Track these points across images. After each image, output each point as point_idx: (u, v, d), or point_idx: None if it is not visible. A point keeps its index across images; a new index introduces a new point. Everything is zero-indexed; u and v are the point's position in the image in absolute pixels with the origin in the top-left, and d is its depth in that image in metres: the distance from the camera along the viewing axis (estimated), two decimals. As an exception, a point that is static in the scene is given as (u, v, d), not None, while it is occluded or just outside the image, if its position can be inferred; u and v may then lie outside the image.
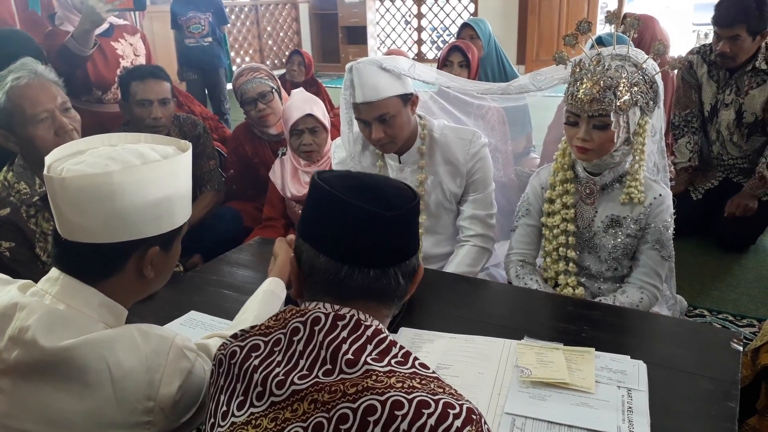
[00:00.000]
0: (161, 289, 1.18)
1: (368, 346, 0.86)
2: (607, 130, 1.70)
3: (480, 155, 2.08)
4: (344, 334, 0.87)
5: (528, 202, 1.99)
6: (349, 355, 0.84)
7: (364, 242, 0.90)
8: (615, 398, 1.21)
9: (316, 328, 0.88)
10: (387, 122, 1.94)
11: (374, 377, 0.81)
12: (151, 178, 1.04)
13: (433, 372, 0.86)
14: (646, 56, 1.73)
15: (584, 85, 1.69)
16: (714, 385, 1.26)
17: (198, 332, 1.55)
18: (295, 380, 0.84)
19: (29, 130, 1.84)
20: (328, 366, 0.84)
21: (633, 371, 1.29)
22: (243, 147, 3.09)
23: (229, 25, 4.79)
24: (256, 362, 0.89)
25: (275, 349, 0.90)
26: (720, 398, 1.22)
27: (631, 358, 1.33)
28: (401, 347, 0.89)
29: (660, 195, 1.80)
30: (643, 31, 3.57)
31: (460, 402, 0.79)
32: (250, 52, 8.62)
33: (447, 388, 0.83)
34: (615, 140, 1.72)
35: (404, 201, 0.93)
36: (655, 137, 1.86)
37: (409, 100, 1.98)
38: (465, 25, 3.94)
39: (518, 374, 1.29)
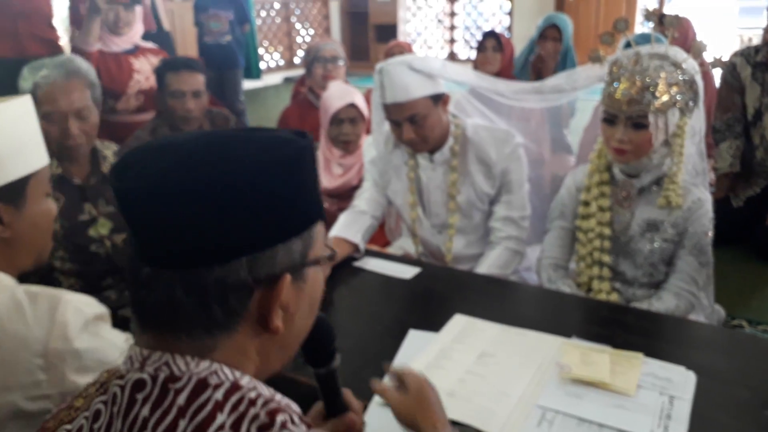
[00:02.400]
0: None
1: (180, 422, 0.60)
2: (644, 131, 1.66)
3: (514, 155, 2.05)
4: (145, 412, 0.62)
5: (562, 204, 1.95)
6: None
7: (136, 228, 0.64)
8: (654, 404, 1.18)
9: (114, 409, 0.64)
10: (417, 122, 1.93)
11: None
12: None
13: (281, 427, 0.62)
14: (686, 55, 1.68)
15: (622, 85, 1.65)
16: (751, 394, 1.22)
17: None
18: None
19: (39, 123, 1.87)
20: None
21: (680, 380, 1.26)
22: (288, 123, 3.13)
23: (251, 24, 4.80)
24: None
25: None
26: (757, 408, 1.18)
27: (686, 368, 1.29)
28: (233, 403, 0.62)
29: (699, 199, 1.75)
30: (683, 32, 3.50)
31: None
32: (280, 48, 8.65)
33: None
34: (653, 142, 1.67)
35: (216, 169, 0.61)
36: (694, 139, 1.81)
37: (440, 99, 1.97)
38: (552, 25, 3.77)
39: (558, 370, 1.28)
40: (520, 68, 4.00)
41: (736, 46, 8.66)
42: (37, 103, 1.87)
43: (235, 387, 0.63)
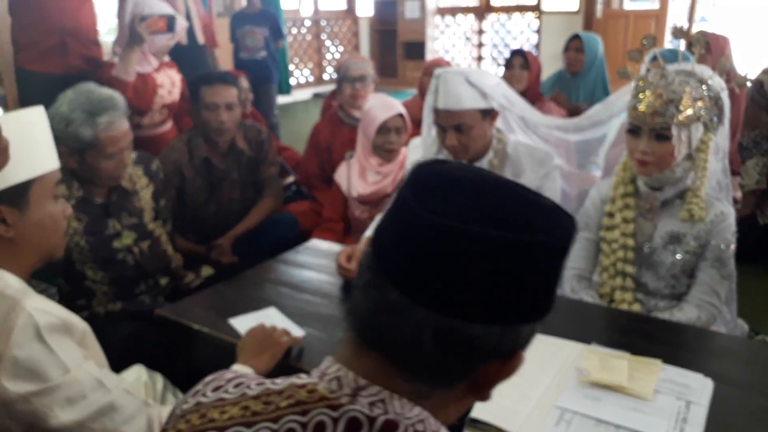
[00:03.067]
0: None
1: None
2: (667, 143, 1.69)
3: (549, 177, 2.11)
4: None
5: (587, 215, 1.98)
6: None
7: (402, 251, 0.61)
8: (671, 408, 1.21)
9: None
10: (463, 132, 2.01)
11: None
12: None
13: None
14: (712, 73, 1.72)
15: (647, 98, 1.69)
16: (767, 402, 1.24)
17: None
18: None
19: (98, 162, 1.98)
20: None
21: (697, 386, 1.28)
22: (319, 138, 3.19)
23: (284, 40, 4.91)
24: None
25: None
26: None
27: (704, 375, 1.32)
28: None
29: (722, 212, 1.77)
30: (719, 50, 3.51)
31: None
32: (310, 65, 8.80)
33: None
34: (675, 154, 1.70)
35: (521, 238, 0.59)
36: (718, 155, 1.83)
37: (489, 114, 2.05)
38: (575, 36, 4.05)
39: (577, 374, 1.31)
40: (550, 87, 4.10)
41: (770, 65, 8.56)
42: (99, 147, 1.95)
43: None
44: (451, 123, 2.01)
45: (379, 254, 0.63)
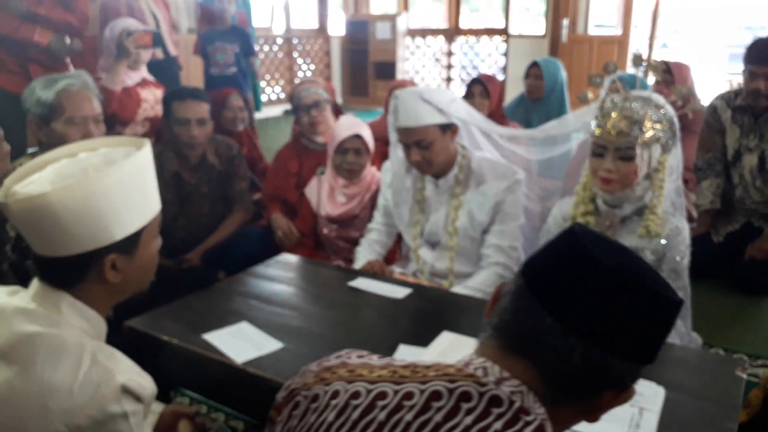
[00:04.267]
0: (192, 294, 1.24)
1: None
2: (631, 162, 1.78)
3: (512, 191, 2.17)
4: (498, 426, 0.72)
5: (549, 232, 2.05)
6: None
7: (569, 287, 0.75)
8: (625, 414, 1.27)
9: (464, 405, 0.74)
10: (425, 147, 2.09)
11: None
12: (90, 191, 1.05)
13: None
14: (664, 101, 1.83)
15: (613, 119, 1.78)
16: (716, 408, 1.31)
17: (242, 345, 1.61)
18: None
19: (62, 128, 2.13)
20: None
21: (650, 393, 1.34)
22: (287, 165, 3.16)
23: (255, 57, 4.94)
24: (382, 416, 0.76)
25: (405, 403, 0.75)
26: (722, 420, 1.27)
27: (656, 383, 1.38)
28: None
29: (676, 227, 1.87)
30: (682, 78, 3.63)
31: None
32: (281, 82, 8.84)
33: None
34: (638, 173, 1.79)
35: (659, 292, 0.75)
36: (672, 176, 1.92)
37: (448, 129, 2.12)
38: (534, 63, 4.10)
39: None
40: (513, 110, 4.19)
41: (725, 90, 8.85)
42: (60, 110, 2.10)
43: None
44: (412, 140, 2.09)
45: (537, 286, 0.76)
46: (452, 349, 1.54)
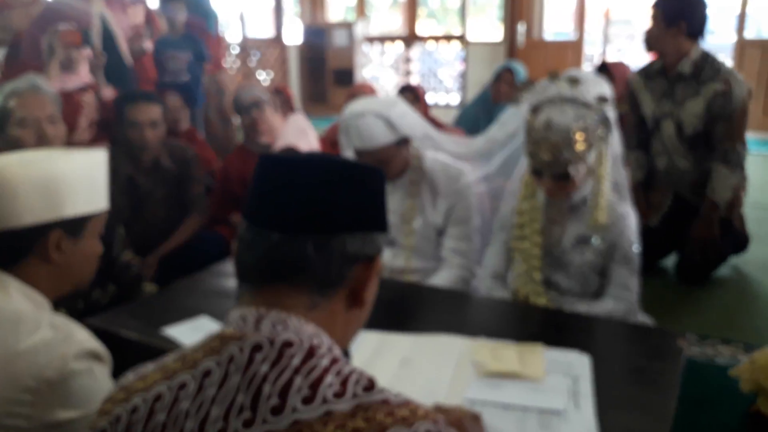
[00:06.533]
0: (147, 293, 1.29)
1: (296, 379, 0.72)
2: (569, 179, 1.81)
3: (462, 194, 2.20)
4: (264, 368, 0.73)
5: (502, 218, 2.09)
6: (274, 400, 0.71)
7: (270, 197, 0.80)
8: (562, 384, 1.32)
9: (231, 367, 0.74)
10: (382, 163, 2.08)
11: None
12: (49, 168, 1.17)
13: (381, 390, 0.74)
14: (593, 89, 1.82)
15: (540, 154, 1.79)
16: (657, 375, 1.38)
17: (202, 337, 1.61)
18: None
19: (16, 132, 2.14)
20: (248, 414, 0.71)
21: (579, 363, 1.41)
22: (229, 171, 3.18)
23: (208, 63, 4.95)
24: (162, 417, 0.75)
25: (180, 394, 0.76)
26: (661, 386, 1.34)
27: (580, 351, 1.44)
28: (337, 370, 0.74)
29: (622, 214, 1.90)
30: (621, 76, 3.66)
31: (413, 429, 0.69)
32: (241, 91, 8.81)
33: (397, 411, 0.71)
34: (578, 182, 1.84)
35: (341, 164, 0.83)
36: (614, 163, 1.96)
37: (403, 142, 2.13)
38: (507, 69, 4.17)
39: (475, 367, 1.40)
40: (474, 112, 4.25)
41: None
42: (10, 115, 2.09)
43: (334, 359, 0.76)
44: (370, 160, 2.07)
45: (252, 215, 0.81)
46: (382, 345, 1.53)
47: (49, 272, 1.20)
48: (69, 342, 1.10)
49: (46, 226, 1.17)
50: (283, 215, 0.79)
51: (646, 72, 3.22)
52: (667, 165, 3.22)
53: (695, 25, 2.96)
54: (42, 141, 2.12)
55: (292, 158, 0.82)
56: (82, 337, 1.13)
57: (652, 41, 3.05)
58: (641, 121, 3.26)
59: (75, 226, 1.21)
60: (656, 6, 3.00)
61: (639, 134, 3.28)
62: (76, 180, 1.20)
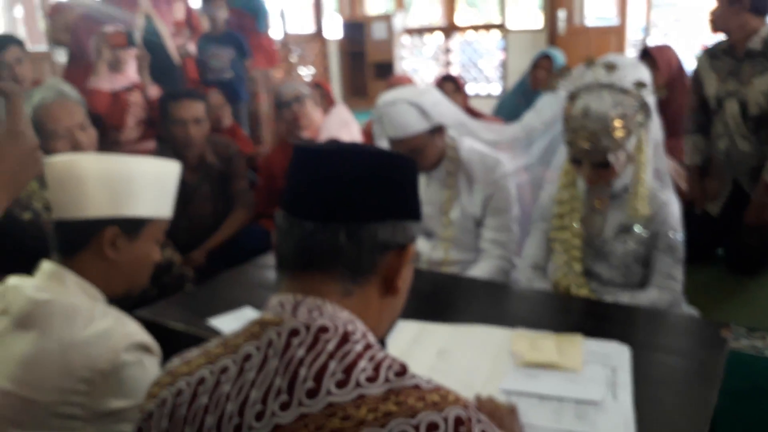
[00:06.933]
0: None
1: (330, 363, 0.74)
2: (609, 167, 1.78)
3: (500, 184, 2.20)
4: (301, 353, 0.76)
5: (542, 208, 2.07)
6: (310, 383, 0.73)
7: (303, 187, 0.83)
8: (600, 375, 1.32)
9: (270, 351, 0.77)
10: (416, 152, 2.09)
11: (340, 415, 0.70)
12: (119, 167, 1.24)
13: (412, 376, 0.75)
14: (632, 75, 1.78)
15: (578, 142, 1.77)
16: (698, 366, 1.37)
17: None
18: (252, 421, 0.74)
19: (50, 144, 2.11)
20: (285, 397, 0.73)
21: (618, 353, 1.40)
22: (272, 167, 3.21)
23: (251, 59, 5.01)
24: (205, 400, 0.78)
25: (222, 378, 0.79)
26: (704, 373, 1.33)
27: (619, 342, 1.43)
28: (370, 355, 0.76)
29: (664, 202, 1.87)
30: (665, 60, 3.59)
31: (444, 414, 0.70)
32: (283, 87, 8.90)
33: (428, 396, 0.72)
34: (618, 170, 1.81)
35: (372, 153, 0.84)
36: (656, 149, 1.92)
37: (437, 131, 2.13)
38: (545, 56, 4.13)
39: (512, 357, 1.41)
40: (514, 99, 4.22)
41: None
42: (40, 127, 2.08)
43: (368, 345, 0.78)
44: (402, 148, 2.08)
45: (288, 205, 0.84)
46: (421, 335, 1.55)
47: (103, 269, 1.25)
48: (120, 334, 1.15)
49: (104, 221, 1.23)
50: (316, 204, 0.81)
51: (712, 52, 3.13)
52: (727, 147, 3.09)
53: (758, 1, 2.89)
54: (76, 149, 2.13)
55: (323, 148, 0.83)
56: (133, 330, 1.18)
57: (717, 21, 2.99)
58: (703, 104, 3.17)
59: (133, 226, 1.26)
60: None
61: (700, 117, 3.20)
62: (143, 183, 1.25)
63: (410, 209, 0.86)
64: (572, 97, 1.81)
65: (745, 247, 3.10)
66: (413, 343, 1.52)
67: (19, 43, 3.43)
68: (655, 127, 1.89)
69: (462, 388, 1.29)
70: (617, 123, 1.73)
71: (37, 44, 8.10)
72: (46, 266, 1.24)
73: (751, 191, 3.06)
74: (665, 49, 3.69)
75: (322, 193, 0.81)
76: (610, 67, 1.77)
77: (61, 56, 4.36)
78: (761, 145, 3.00)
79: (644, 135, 1.82)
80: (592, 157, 1.77)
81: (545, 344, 1.43)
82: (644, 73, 1.83)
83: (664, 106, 3.01)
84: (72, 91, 2.25)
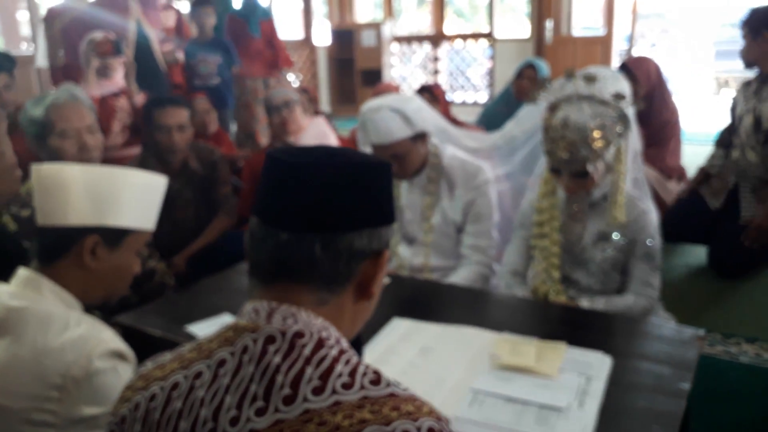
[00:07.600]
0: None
1: (307, 369, 0.75)
2: (588, 177, 1.81)
3: (481, 191, 2.22)
4: (277, 360, 0.76)
5: (523, 215, 2.10)
6: (287, 390, 0.74)
7: (277, 196, 0.81)
8: (573, 383, 1.33)
9: (245, 357, 0.77)
10: (399, 158, 2.11)
11: (316, 420, 0.71)
12: (104, 177, 1.25)
13: (387, 384, 0.76)
14: (608, 81, 1.80)
15: (557, 152, 1.79)
16: (671, 371, 1.38)
17: None
18: (227, 426, 0.74)
19: (57, 143, 2.18)
20: (261, 403, 0.74)
21: (598, 363, 1.41)
22: (256, 171, 3.23)
23: (238, 66, 5.04)
24: (179, 405, 0.78)
25: (196, 383, 0.79)
26: (674, 380, 1.34)
27: (603, 353, 1.45)
28: (345, 359, 0.78)
29: (643, 211, 1.90)
30: (644, 72, 3.64)
31: (417, 424, 0.71)
32: (270, 93, 8.91)
33: (403, 406, 0.73)
34: (597, 179, 1.83)
35: (345, 161, 0.82)
36: (634, 159, 1.94)
37: (419, 138, 2.15)
38: (530, 65, 4.17)
39: (490, 359, 1.43)
40: (495, 108, 4.25)
41: (714, 90, 9.05)
42: (51, 125, 2.16)
43: (342, 350, 0.79)
44: (385, 154, 2.10)
45: (262, 214, 0.83)
46: (410, 333, 1.58)
47: (81, 277, 1.26)
48: (95, 342, 1.15)
49: (86, 229, 1.23)
50: (290, 215, 0.80)
51: (748, 81, 3.36)
52: (737, 157, 3.33)
53: None
54: (83, 151, 2.19)
55: (297, 157, 0.82)
56: (107, 337, 1.18)
57: (746, 57, 3.23)
58: (733, 123, 3.41)
59: (114, 236, 1.27)
60: (743, 24, 3.19)
61: (726, 135, 3.44)
62: (129, 195, 1.27)
63: (385, 215, 0.85)
64: (552, 108, 1.83)
65: (736, 248, 3.16)
66: (401, 339, 1.55)
67: (9, 68, 3.44)
68: (634, 138, 1.92)
69: (434, 384, 1.32)
70: (596, 134, 1.76)
71: (16, 48, 8.16)
72: (23, 273, 1.24)
73: (743, 198, 3.29)
74: (644, 61, 3.75)
75: (296, 203, 0.80)
76: (590, 79, 1.80)
77: (43, 60, 4.37)
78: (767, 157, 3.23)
79: (623, 145, 1.84)
80: (571, 166, 1.79)
81: (525, 349, 1.45)
82: (624, 85, 1.86)
83: (645, 117, 3.13)
84: (84, 95, 2.34)
